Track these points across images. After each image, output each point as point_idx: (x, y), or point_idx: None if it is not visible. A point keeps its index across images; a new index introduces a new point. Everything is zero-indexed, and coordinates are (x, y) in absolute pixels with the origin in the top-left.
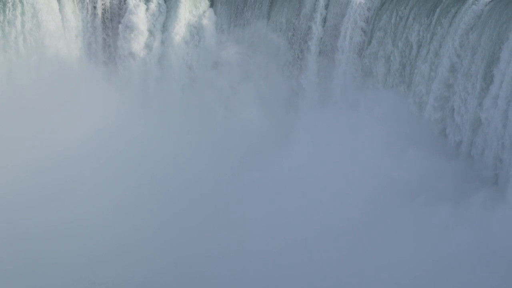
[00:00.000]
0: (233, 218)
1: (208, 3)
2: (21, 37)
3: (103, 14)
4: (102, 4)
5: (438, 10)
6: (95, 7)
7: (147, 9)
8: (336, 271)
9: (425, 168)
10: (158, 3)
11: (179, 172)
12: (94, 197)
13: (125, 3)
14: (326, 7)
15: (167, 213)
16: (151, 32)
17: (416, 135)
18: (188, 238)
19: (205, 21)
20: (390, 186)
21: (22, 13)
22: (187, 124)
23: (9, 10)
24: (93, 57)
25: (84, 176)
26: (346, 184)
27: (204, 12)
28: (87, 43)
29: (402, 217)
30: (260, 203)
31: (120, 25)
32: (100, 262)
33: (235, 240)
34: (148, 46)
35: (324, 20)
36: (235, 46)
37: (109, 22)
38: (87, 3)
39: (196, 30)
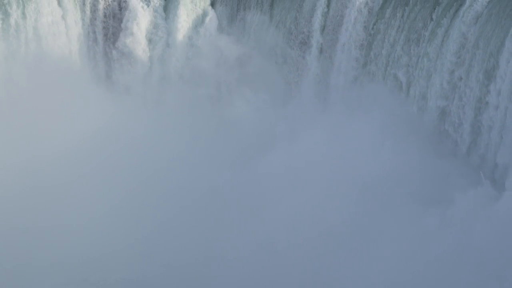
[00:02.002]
0: (225, 217)
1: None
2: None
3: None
4: (104, 28)
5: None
6: (95, 32)
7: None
8: (321, 272)
9: (418, 166)
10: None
11: (176, 173)
12: (90, 198)
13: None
14: (322, 30)
15: (163, 213)
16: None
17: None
18: (184, 238)
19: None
20: (379, 186)
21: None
22: (183, 124)
23: (13, 38)
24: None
25: (80, 177)
26: (334, 184)
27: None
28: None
29: (390, 218)
30: (248, 202)
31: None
32: (96, 262)
33: (229, 240)
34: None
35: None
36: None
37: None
38: (87, 24)
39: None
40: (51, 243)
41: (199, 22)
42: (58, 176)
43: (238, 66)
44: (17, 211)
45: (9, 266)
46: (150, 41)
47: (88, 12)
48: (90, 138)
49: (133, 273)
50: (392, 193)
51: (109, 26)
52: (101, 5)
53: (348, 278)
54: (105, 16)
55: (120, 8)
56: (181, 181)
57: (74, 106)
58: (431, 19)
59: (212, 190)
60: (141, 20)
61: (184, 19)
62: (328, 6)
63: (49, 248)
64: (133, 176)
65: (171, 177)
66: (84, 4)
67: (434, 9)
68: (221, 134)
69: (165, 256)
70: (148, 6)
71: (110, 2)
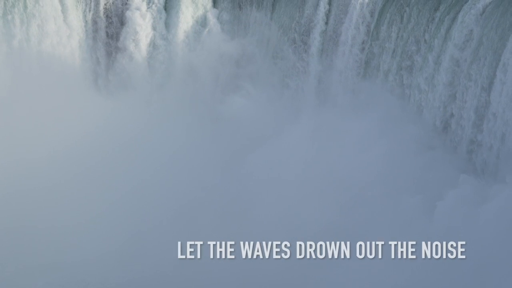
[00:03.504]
0: (220, 217)
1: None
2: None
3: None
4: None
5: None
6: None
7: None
8: (312, 271)
9: (416, 166)
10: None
11: (175, 172)
12: (88, 198)
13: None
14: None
15: (163, 213)
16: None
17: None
18: (184, 237)
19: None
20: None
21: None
22: (180, 124)
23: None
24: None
25: (78, 177)
26: (325, 183)
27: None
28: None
29: (381, 217)
30: (241, 202)
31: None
32: (96, 263)
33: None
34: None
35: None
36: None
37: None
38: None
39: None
40: (49, 244)
41: (201, 31)
42: (55, 177)
43: (237, 67)
44: (14, 211)
45: (6, 267)
46: (149, 65)
47: (90, 32)
48: (87, 139)
49: (132, 274)
50: (384, 191)
51: (111, 47)
52: (103, 24)
53: (338, 279)
54: (107, 36)
55: (122, 24)
56: (179, 181)
57: (68, 103)
58: (425, 41)
59: (204, 190)
60: (140, 35)
61: (182, 39)
62: (326, 23)
63: (47, 248)
64: (131, 177)
65: (169, 178)
66: (86, 22)
67: (428, 26)
68: (216, 133)
69: (163, 255)
70: (149, 11)
71: (112, 19)
